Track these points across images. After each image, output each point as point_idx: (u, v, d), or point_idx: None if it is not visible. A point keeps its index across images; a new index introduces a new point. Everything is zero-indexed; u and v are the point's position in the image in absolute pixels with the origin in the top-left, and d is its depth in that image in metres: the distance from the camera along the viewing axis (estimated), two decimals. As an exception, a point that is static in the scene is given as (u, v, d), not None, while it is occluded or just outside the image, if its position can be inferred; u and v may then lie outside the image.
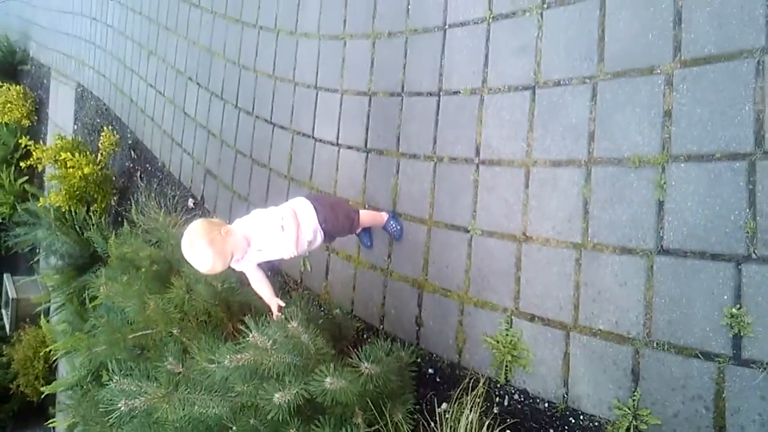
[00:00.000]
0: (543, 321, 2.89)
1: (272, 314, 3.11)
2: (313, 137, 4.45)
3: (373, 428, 2.84)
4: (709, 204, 2.40)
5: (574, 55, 2.84)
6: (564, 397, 2.80)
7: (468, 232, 3.25)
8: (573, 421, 2.77)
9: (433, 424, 2.85)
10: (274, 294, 3.15)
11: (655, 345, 2.50)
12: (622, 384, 2.60)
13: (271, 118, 4.96)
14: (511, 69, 3.10)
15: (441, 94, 3.45)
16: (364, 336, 3.84)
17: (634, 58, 2.65)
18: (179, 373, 3.03)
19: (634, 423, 2.52)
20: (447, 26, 3.47)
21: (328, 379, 2.59)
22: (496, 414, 3.00)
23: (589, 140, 2.77)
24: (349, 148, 4.11)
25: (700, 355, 2.38)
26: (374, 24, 3.97)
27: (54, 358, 7.52)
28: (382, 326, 3.74)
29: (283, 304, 3.12)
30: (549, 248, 2.88)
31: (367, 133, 3.97)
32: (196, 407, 2.86)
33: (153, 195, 6.62)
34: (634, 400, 2.53)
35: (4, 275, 10.10)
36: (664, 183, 2.51)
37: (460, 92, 3.34)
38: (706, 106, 2.43)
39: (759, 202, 2.28)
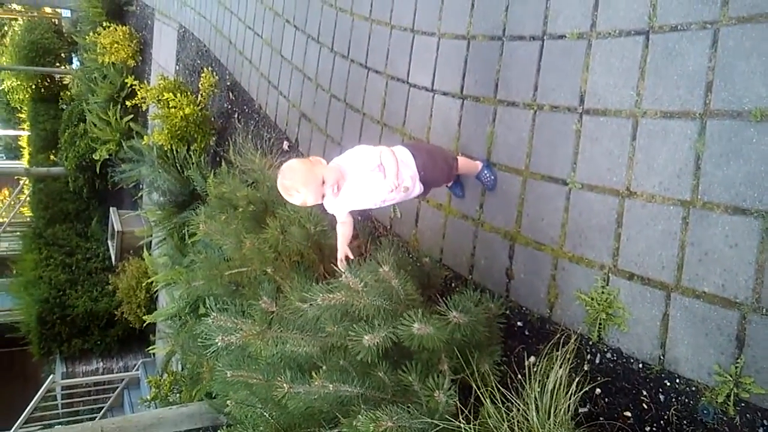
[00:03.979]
0: (642, 280, 2.77)
1: (337, 261, 3.15)
2: (408, 82, 4.38)
3: (458, 376, 2.84)
4: (839, 163, 2.20)
5: (694, -2, 2.63)
6: (660, 359, 2.70)
7: (567, 184, 3.13)
8: (668, 384, 2.67)
9: (521, 377, 2.82)
10: (348, 243, 3.17)
11: (764, 311, 2.35)
12: (725, 350, 2.47)
13: (366, 62, 4.91)
14: (623, 12, 2.90)
15: (545, 38, 3.29)
16: (452, 285, 3.82)
17: (762, 2, 2.41)
18: (273, 311, 3.12)
19: (735, 390, 2.40)
20: (555, -34, 3.29)
21: (416, 325, 2.59)
22: (586, 371, 2.93)
23: (706, 91, 2.58)
24: (445, 94, 4.02)
25: (815, 326, 2.23)
26: (477, -36, 3.81)
27: (155, 289, 7.97)
28: (470, 276, 3.71)
29: (351, 256, 3.14)
30: (654, 205, 2.74)
31: (463, 79, 3.86)
32: (288, 345, 2.95)
33: (250, 136, 6.76)
34: (736, 367, 2.40)
35: (111, 209, 10.69)
36: (789, 139, 2.32)
37: (566, 36, 3.17)
38: None
39: None
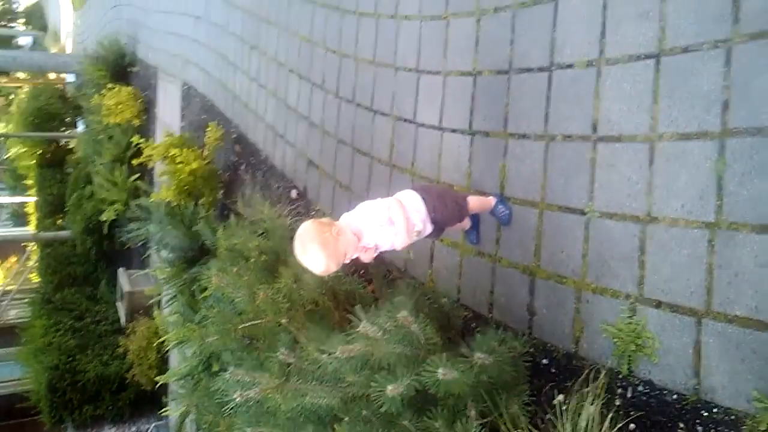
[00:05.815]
0: (671, 307, 2.67)
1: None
2: (415, 122, 4.36)
3: (486, 420, 2.72)
4: None
5: (704, 18, 2.60)
6: (695, 388, 2.58)
7: (585, 214, 3.06)
8: (706, 414, 2.54)
9: (551, 416, 2.70)
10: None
11: (804, 333, 2.26)
12: (764, 374, 2.36)
13: (372, 105, 4.90)
14: (631, 37, 2.87)
15: (553, 68, 3.27)
16: (473, 325, 3.71)
17: (774, 18, 2.38)
18: (290, 363, 3.02)
19: (780, 418, 2.28)
20: (557, -3, 3.28)
21: (440, 371, 2.49)
22: (618, 406, 2.81)
23: (723, 110, 2.53)
24: (453, 131, 3.98)
25: None
26: (479, 0, 3.81)
27: (166, 349, 7.82)
28: (491, 315, 3.61)
29: None
30: (677, 229, 2.66)
31: (471, 115, 3.83)
32: (307, 398, 2.84)
33: (258, 187, 6.74)
34: (779, 394, 2.29)
35: (119, 270, 10.61)
36: (813, 153, 2.25)
37: (574, 65, 3.14)
38: None
39: None
